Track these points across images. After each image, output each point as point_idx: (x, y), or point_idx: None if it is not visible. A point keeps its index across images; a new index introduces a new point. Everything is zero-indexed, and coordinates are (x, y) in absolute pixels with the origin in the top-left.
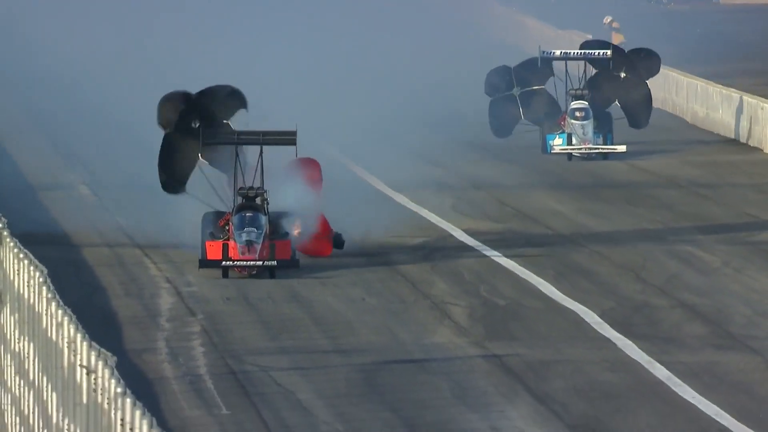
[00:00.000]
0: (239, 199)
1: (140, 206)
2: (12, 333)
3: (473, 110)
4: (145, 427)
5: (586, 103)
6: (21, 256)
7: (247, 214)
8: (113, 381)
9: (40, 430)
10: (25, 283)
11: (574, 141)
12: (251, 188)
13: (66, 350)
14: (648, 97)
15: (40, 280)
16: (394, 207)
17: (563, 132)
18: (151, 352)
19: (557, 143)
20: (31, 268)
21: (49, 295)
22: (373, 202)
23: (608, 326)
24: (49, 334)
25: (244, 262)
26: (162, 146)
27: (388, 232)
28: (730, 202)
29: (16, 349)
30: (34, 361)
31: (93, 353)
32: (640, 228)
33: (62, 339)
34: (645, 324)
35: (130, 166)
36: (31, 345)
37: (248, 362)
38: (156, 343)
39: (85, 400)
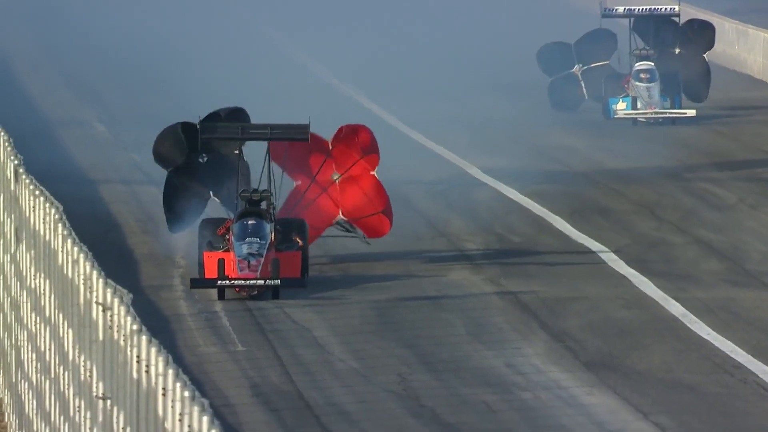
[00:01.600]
0: (242, 204)
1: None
2: (28, 270)
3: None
4: (161, 364)
5: (652, 63)
6: (37, 193)
7: (250, 222)
8: (129, 318)
9: (56, 366)
10: (41, 221)
11: (639, 105)
12: (255, 191)
13: (82, 287)
14: (706, 70)
15: (56, 217)
16: (410, 144)
17: (627, 95)
18: (167, 289)
19: (621, 108)
20: (47, 205)
21: (65, 232)
22: (389, 139)
23: (624, 263)
24: (65, 271)
25: (243, 281)
26: (166, 185)
27: (403, 169)
28: (746, 138)
29: (32, 286)
30: (50, 297)
31: (109, 290)
32: (657, 165)
33: (78, 276)
34: (661, 261)
35: (146, 103)
36: (47, 282)
37: (263, 299)
38: (172, 280)
39: (101, 337)
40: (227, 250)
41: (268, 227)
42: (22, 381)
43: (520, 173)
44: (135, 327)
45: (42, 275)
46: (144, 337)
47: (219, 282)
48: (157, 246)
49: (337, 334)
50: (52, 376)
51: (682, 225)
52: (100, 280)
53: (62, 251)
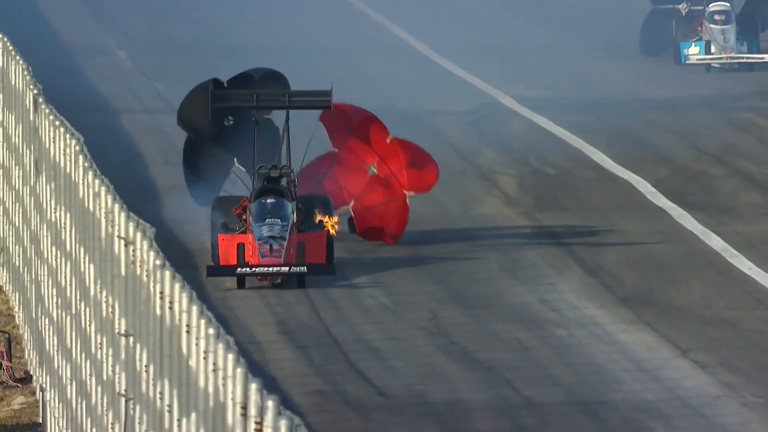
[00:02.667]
0: (259, 181)
1: (178, 72)
2: (48, 203)
3: None
4: (184, 300)
5: (728, 4)
6: (57, 123)
7: (269, 201)
8: (152, 252)
9: (77, 301)
10: (61, 152)
11: (713, 49)
12: (274, 166)
13: (103, 221)
14: None
15: (77, 148)
16: (440, 72)
17: (700, 39)
18: (191, 223)
19: (693, 52)
20: (68, 136)
21: (86, 164)
22: (418, 67)
23: (662, 196)
24: (86, 205)
25: (266, 269)
26: (186, 147)
27: (434, 98)
28: None
29: (53, 219)
30: (70, 231)
31: (131, 224)
32: (697, 94)
33: (99, 209)
34: (700, 193)
35: (169, 30)
36: (68, 215)
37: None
38: (196, 214)
39: (123, 272)
40: (244, 232)
41: (290, 206)
42: (43, 317)
43: (556, 103)
44: (158, 262)
45: (62, 208)
46: (167, 273)
47: (239, 270)
48: (180, 178)
49: (367, 271)
50: (74, 312)
51: (722, 157)
52: (122, 214)
53: (83, 183)
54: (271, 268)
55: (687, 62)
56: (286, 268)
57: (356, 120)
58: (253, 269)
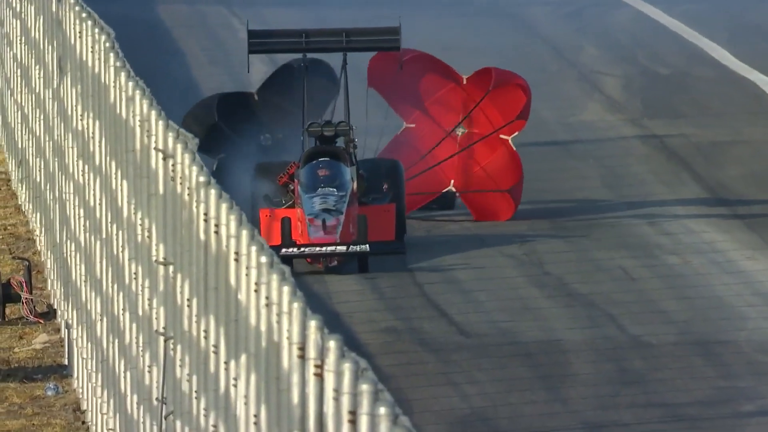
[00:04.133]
0: (310, 142)
1: None
2: (74, 109)
3: None
4: (233, 223)
5: None
6: (84, 15)
7: (322, 167)
8: (195, 168)
9: (108, 224)
10: (89, 49)
11: None
12: (328, 123)
13: (138, 130)
14: None
15: (107, 45)
16: None
17: None
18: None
19: None
20: (96, 30)
21: (118, 64)
22: None
23: None
24: (118, 111)
25: (318, 248)
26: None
27: None
28: None
29: (79, 128)
30: (100, 142)
31: (171, 135)
32: None
33: (134, 117)
34: None
35: None
36: (97, 123)
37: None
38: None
39: (161, 191)
40: (292, 206)
41: (348, 173)
42: (68, 242)
43: None
44: (202, 179)
45: (90, 115)
46: (213, 191)
47: (284, 250)
48: (227, 79)
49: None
50: (104, 236)
51: None
52: (160, 122)
53: (114, 86)
54: (324, 248)
55: None
56: (344, 248)
57: (416, 72)
58: (302, 249)
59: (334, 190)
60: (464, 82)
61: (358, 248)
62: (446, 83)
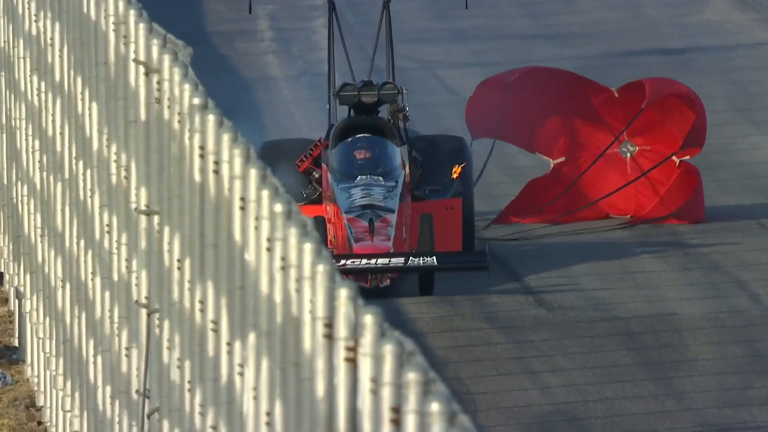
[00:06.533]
0: (342, 111)
1: None
2: (26, 6)
3: None
4: (237, 159)
5: None
6: None
7: (361, 147)
8: (187, 86)
9: (73, 159)
10: None
11: None
12: (368, 83)
13: (112, 36)
14: None
15: None
16: None
17: None
18: (248, 37)
19: None
20: None
21: None
22: None
23: None
24: (85, 10)
25: (366, 261)
26: None
27: None
28: None
29: (33, 32)
30: (61, 51)
31: (155, 42)
32: None
33: (106, 18)
34: None
35: None
36: (57, 26)
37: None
38: (256, 23)
39: (143, 116)
40: (317, 201)
41: (399, 154)
42: (18, 183)
43: None
44: (197, 101)
45: (49, 15)
46: (210, 117)
47: None
48: None
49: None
50: (66, 176)
51: None
52: (141, 25)
53: None
54: (373, 260)
55: None
56: (401, 260)
57: (535, 95)
58: (344, 264)
59: (380, 178)
60: (616, 95)
61: (421, 261)
62: (591, 97)
